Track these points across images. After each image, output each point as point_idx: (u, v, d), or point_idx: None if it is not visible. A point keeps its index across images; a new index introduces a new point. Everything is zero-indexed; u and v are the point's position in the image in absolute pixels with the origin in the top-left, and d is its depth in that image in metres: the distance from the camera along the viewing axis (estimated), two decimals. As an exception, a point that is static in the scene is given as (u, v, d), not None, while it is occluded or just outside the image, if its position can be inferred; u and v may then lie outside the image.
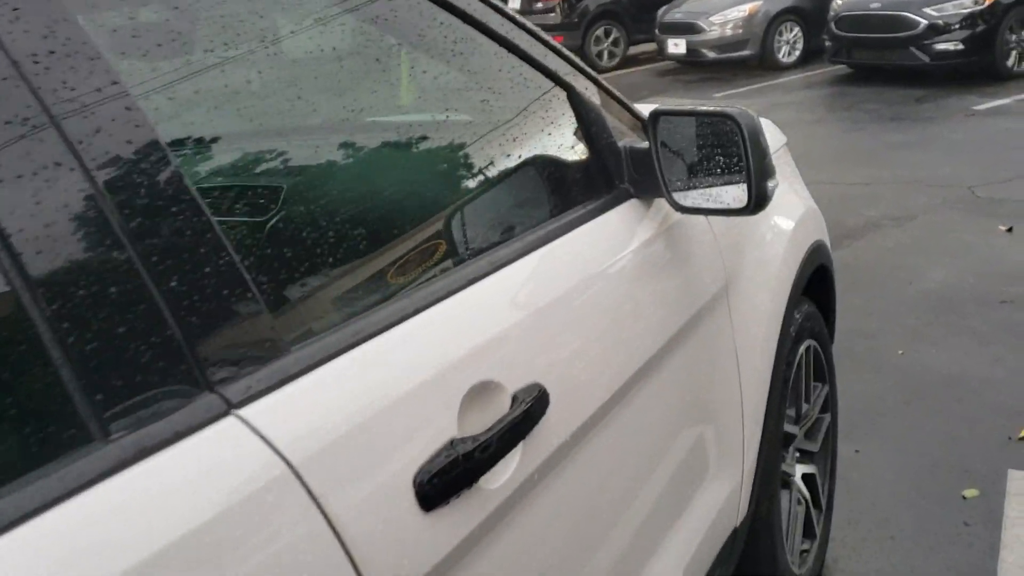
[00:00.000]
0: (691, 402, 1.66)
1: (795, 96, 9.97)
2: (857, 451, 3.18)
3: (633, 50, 13.64)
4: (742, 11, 11.58)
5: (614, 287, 1.46)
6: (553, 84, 1.51)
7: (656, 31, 12.41)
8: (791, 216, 2.26)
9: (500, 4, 1.43)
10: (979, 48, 9.17)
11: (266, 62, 1.09)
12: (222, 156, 1.09)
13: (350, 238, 1.08)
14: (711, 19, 11.67)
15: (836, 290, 2.71)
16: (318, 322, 0.97)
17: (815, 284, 2.55)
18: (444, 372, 1.02)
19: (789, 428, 2.29)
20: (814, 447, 2.52)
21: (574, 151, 1.57)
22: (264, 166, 1.16)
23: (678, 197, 1.50)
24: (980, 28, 9.14)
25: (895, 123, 8.13)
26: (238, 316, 0.85)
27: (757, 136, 1.40)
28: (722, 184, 1.44)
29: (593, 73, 1.62)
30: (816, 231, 2.43)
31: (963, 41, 9.15)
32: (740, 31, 11.58)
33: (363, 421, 0.91)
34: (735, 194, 1.43)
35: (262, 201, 1.08)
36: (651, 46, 13.06)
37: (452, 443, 0.98)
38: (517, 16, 1.46)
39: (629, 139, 1.61)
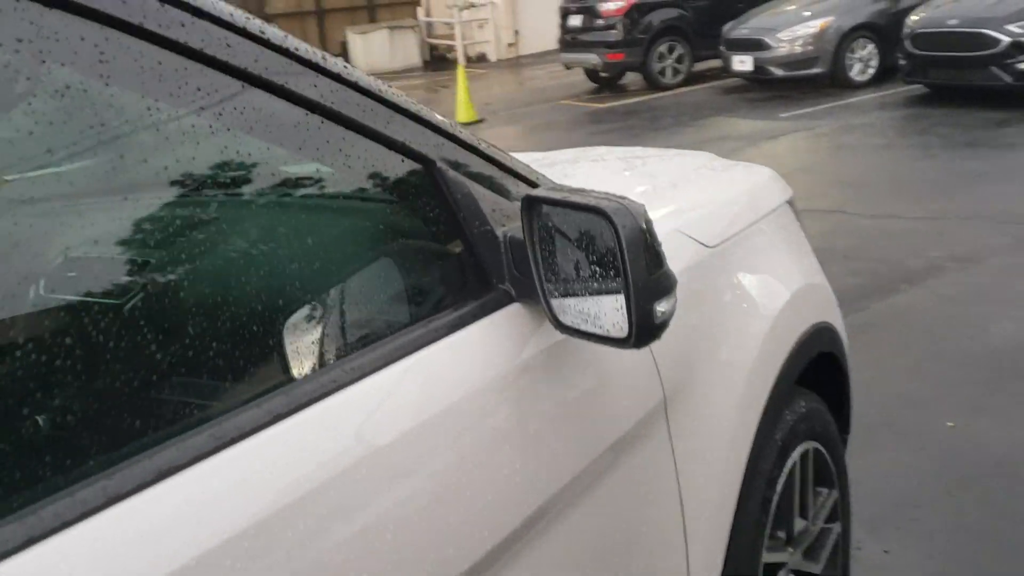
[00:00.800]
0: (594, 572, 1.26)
1: (866, 118, 9.37)
2: (887, 552, 2.71)
3: (699, 66, 13.12)
4: (812, 27, 10.99)
5: (469, 430, 1.08)
6: (403, 158, 1.15)
7: (721, 47, 11.90)
8: (777, 295, 1.84)
9: (315, 54, 1.07)
10: (1069, 67, 8.46)
11: None
12: None
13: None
14: (779, 35, 11.10)
15: (851, 378, 2.27)
16: None
17: (822, 370, 2.13)
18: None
19: (774, 556, 1.86)
20: (816, 567, 2.08)
21: (430, 245, 1.21)
22: None
23: (558, 309, 1.12)
24: (1070, 46, 8.43)
25: (970, 150, 7.50)
26: None
27: (639, 241, 1.00)
28: (604, 300, 1.05)
29: (471, 138, 1.24)
30: (816, 311, 2.00)
31: (1051, 60, 8.45)
32: (810, 48, 10.99)
33: None
34: (615, 319, 1.04)
35: None
36: (717, 62, 12.54)
37: None
38: (346, 69, 1.10)
39: (515, 225, 1.23)
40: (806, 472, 1.98)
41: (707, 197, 1.93)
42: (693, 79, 12.97)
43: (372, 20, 19.81)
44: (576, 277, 1.09)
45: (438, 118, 1.20)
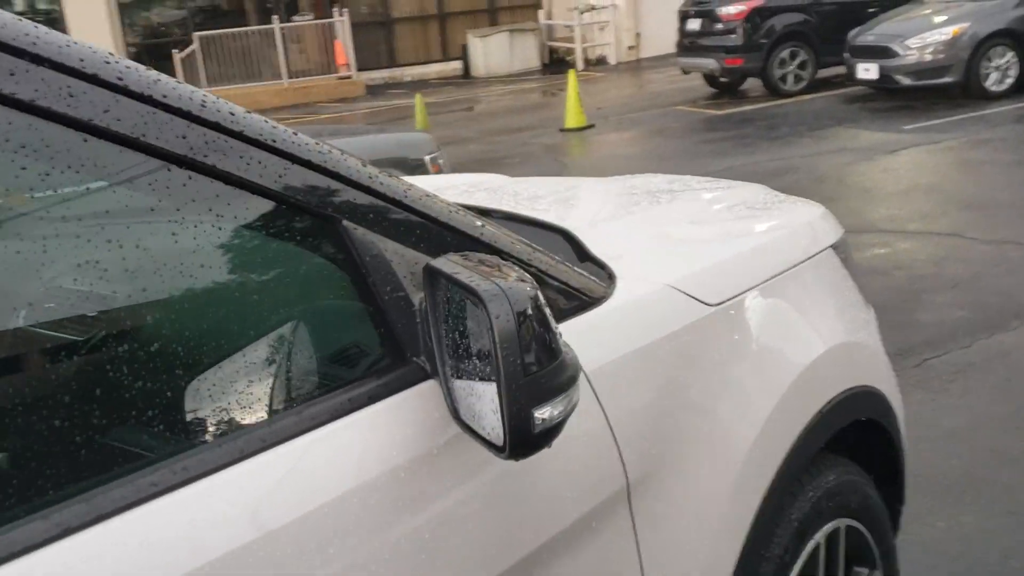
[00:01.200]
0: None
1: (999, 132, 8.73)
2: (953, 632, 2.43)
3: (824, 73, 12.55)
4: (944, 34, 10.33)
5: (355, 530, 0.95)
6: (301, 215, 1.02)
7: (846, 54, 11.34)
8: (799, 357, 1.63)
9: (191, 101, 0.96)
10: None
11: None
12: None
13: None
14: (907, 42, 10.48)
15: (904, 449, 2.00)
16: None
17: (871, 435, 1.90)
18: None
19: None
20: (848, 660, 1.85)
21: (339, 312, 1.07)
22: None
23: (459, 396, 0.97)
24: None
25: (1113, 170, 6.88)
26: None
27: (513, 335, 0.84)
28: (486, 396, 0.90)
29: (396, 188, 1.10)
30: (855, 374, 1.77)
31: None
32: (941, 56, 10.33)
33: None
34: (492, 421, 0.88)
35: None
36: (843, 69, 11.96)
37: None
38: (231, 117, 0.98)
39: (437, 290, 1.09)
40: (834, 553, 1.75)
41: (728, 243, 1.73)
42: (816, 86, 12.43)
43: (493, 23, 19.85)
44: (472, 363, 0.94)
45: (352, 167, 1.07)
